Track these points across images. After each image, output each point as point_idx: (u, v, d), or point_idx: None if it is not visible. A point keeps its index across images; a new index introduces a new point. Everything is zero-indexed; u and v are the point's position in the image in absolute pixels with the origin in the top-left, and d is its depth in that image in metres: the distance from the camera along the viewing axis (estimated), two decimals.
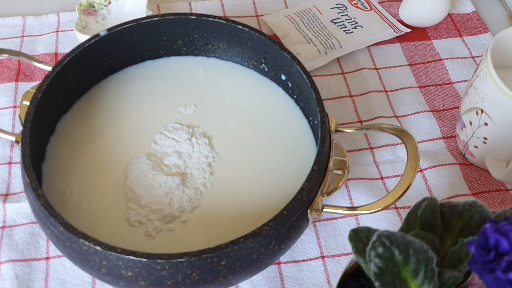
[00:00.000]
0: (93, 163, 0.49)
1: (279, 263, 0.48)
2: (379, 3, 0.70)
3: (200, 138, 0.50)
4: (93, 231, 0.40)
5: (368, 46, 0.65)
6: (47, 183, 0.47)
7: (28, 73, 0.60)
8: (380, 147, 0.56)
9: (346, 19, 0.67)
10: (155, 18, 0.52)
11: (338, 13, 0.68)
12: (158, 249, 0.40)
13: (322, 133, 0.44)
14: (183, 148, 0.50)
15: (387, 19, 0.67)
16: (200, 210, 0.46)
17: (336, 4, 0.68)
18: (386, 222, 0.50)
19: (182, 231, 0.45)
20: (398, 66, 0.63)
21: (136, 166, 0.48)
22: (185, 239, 0.45)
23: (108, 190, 0.47)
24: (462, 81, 0.62)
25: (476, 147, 0.51)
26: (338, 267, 0.48)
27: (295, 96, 0.53)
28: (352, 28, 0.66)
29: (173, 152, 0.49)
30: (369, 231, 0.31)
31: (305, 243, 0.49)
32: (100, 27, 0.63)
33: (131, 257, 0.37)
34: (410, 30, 0.66)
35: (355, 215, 0.51)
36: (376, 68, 0.63)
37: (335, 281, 0.45)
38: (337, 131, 0.48)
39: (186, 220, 0.46)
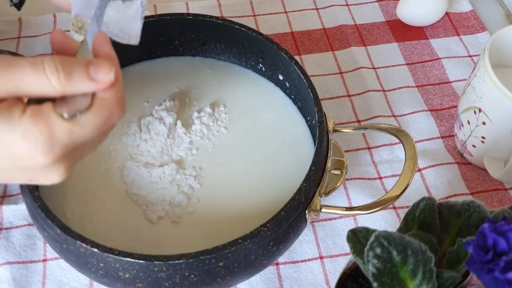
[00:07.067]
0: (91, 163, 0.48)
1: (277, 264, 0.48)
2: (377, 1, 0.70)
3: (196, 138, 0.50)
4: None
5: (366, 46, 0.65)
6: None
7: None
8: (378, 147, 0.56)
9: None
10: (152, 18, 0.52)
11: None
12: (155, 251, 0.39)
13: (320, 133, 0.44)
14: (182, 151, 0.50)
15: None
16: (197, 211, 0.46)
17: None
18: (385, 222, 0.50)
19: (179, 232, 0.45)
20: (396, 66, 0.63)
21: (126, 172, 0.48)
22: (183, 241, 0.44)
23: (111, 196, 0.47)
24: (460, 80, 0.62)
25: (474, 146, 0.51)
26: (337, 268, 0.48)
27: (292, 96, 0.53)
28: None
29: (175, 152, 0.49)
30: (367, 232, 0.31)
31: (303, 244, 0.49)
32: None
33: (128, 259, 0.37)
34: None
35: (354, 215, 0.50)
36: (373, 68, 0.63)
37: (333, 281, 0.45)
38: (335, 131, 0.48)
39: (184, 222, 0.46)
